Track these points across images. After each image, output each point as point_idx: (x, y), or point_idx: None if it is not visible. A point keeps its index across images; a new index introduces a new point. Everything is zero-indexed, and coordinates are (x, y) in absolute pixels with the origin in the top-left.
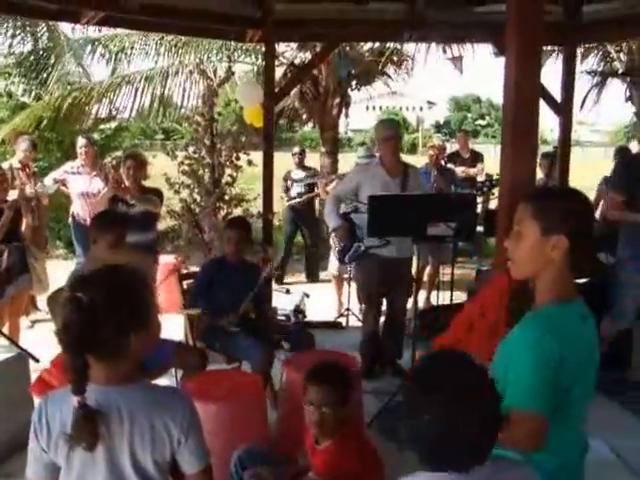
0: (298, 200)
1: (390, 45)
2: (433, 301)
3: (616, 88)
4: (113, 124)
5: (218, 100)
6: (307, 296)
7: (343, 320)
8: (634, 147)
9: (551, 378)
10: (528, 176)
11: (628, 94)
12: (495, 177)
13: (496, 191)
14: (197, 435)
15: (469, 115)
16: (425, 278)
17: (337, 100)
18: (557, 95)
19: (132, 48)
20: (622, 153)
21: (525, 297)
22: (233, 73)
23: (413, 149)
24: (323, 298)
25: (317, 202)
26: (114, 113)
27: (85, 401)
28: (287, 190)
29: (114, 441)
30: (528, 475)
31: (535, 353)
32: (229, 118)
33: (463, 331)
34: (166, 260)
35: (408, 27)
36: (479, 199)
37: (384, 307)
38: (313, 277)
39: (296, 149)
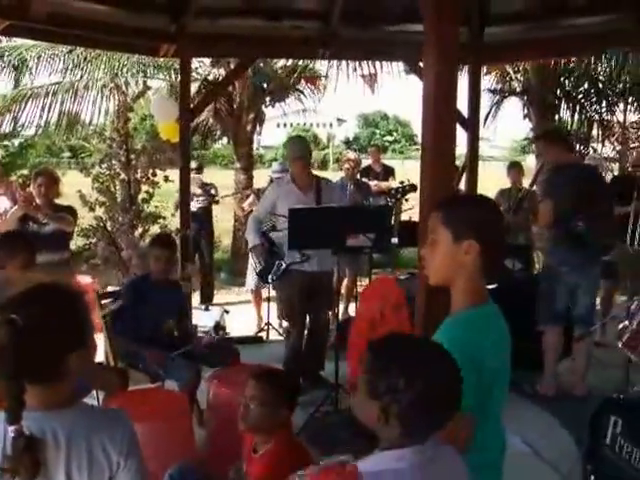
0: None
1: (303, 62)
2: (351, 312)
3: (512, 106)
4: (17, 141)
5: (133, 116)
6: (227, 312)
7: (264, 334)
8: (531, 161)
9: (474, 379)
10: (447, 188)
11: (525, 112)
12: (407, 183)
13: (410, 197)
14: (136, 458)
15: (377, 131)
16: (343, 290)
17: (252, 116)
18: (463, 112)
19: (38, 59)
20: (513, 165)
21: (440, 304)
22: (149, 88)
23: (324, 165)
24: (243, 314)
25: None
26: (19, 129)
27: (22, 429)
28: None
29: (50, 469)
30: (460, 459)
31: (458, 356)
32: (143, 134)
33: (367, 329)
34: (82, 280)
35: (322, 44)
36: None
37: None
38: (208, 300)
39: (193, 164)
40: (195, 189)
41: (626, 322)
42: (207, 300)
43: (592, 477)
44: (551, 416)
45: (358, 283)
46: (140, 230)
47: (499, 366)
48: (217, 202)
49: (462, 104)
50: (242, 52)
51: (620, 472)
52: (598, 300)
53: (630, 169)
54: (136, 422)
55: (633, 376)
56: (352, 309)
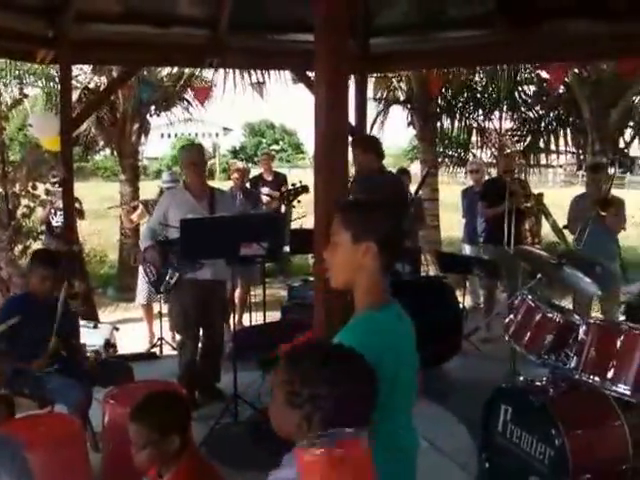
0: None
1: (189, 70)
2: (245, 322)
3: (397, 115)
4: None
5: (8, 125)
6: (116, 329)
7: (157, 350)
8: (416, 168)
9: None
10: (341, 193)
11: (409, 120)
12: (298, 184)
13: (303, 202)
14: None
15: (264, 140)
16: (236, 300)
17: (136, 126)
18: (350, 120)
19: None
20: (401, 172)
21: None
22: (26, 96)
23: (211, 175)
24: (134, 330)
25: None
26: None
27: None
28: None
29: None
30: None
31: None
32: (17, 145)
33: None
34: None
35: (210, 52)
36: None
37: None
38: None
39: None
40: (60, 203)
41: (511, 316)
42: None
43: (487, 464)
44: (446, 411)
45: (251, 292)
46: (20, 247)
47: (402, 366)
48: (83, 217)
49: (349, 113)
50: (125, 59)
51: (512, 456)
52: (482, 299)
53: (501, 174)
54: (26, 449)
55: (519, 367)
56: (246, 319)
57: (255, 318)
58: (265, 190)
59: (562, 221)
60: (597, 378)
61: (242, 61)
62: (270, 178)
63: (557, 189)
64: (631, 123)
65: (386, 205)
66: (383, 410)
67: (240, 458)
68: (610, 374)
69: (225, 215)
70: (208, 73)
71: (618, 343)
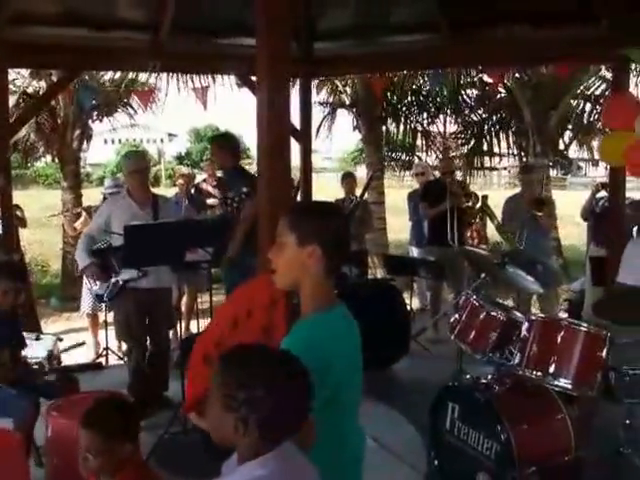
0: None
1: (132, 75)
2: (193, 329)
3: (343, 118)
4: None
5: None
6: (60, 340)
7: (103, 360)
8: (362, 172)
9: (319, 382)
10: (285, 198)
11: (355, 124)
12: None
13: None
14: None
15: (209, 146)
16: (182, 307)
17: (78, 132)
18: (296, 125)
19: None
20: (347, 176)
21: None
22: None
23: (157, 181)
24: (79, 340)
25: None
26: None
27: None
28: None
29: None
30: (307, 461)
31: (305, 358)
32: None
33: (227, 326)
34: None
35: (152, 56)
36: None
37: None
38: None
39: None
40: None
41: (456, 316)
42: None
43: (436, 462)
44: (395, 411)
45: (199, 299)
46: None
47: (349, 367)
48: (25, 225)
49: (294, 117)
50: (64, 63)
51: (460, 453)
52: (429, 300)
53: (441, 175)
54: None
55: (466, 365)
56: (193, 326)
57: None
58: (207, 187)
59: None
60: (540, 373)
61: (185, 65)
62: (215, 184)
63: (502, 191)
64: (570, 126)
65: (327, 208)
66: (330, 410)
67: (189, 467)
68: (552, 369)
69: (170, 221)
70: (152, 78)
71: (559, 339)
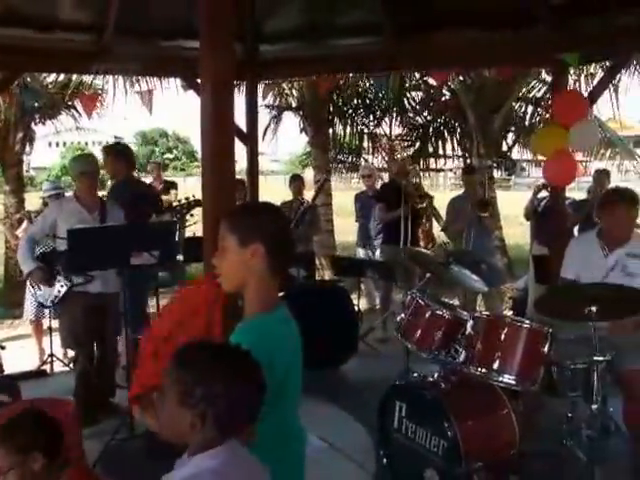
0: None
1: (76, 77)
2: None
3: (290, 121)
4: None
5: None
6: (2, 348)
7: (47, 367)
8: (310, 174)
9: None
10: (229, 199)
11: (301, 126)
12: (192, 198)
13: (195, 213)
14: None
15: (157, 149)
16: None
17: (20, 135)
18: (242, 127)
19: None
20: (295, 178)
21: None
22: None
23: (103, 185)
24: (23, 347)
25: None
26: None
27: None
28: None
29: None
30: (255, 458)
31: None
32: None
33: (174, 324)
34: None
35: (96, 58)
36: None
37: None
38: None
39: None
40: None
41: (402, 315)
42: None
43: (384, 460)
44: (344, 411)
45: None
46: None
47: (291, 367)
48: None
49: (240, 120)
50: (5, 64)
51: (408, 451)
52: (377, 300)
53: (394, 176)
54: None
55: (413, 364)
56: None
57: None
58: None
59: None
60: (484, 370)
61: (129, 68)
62: (160, 186)
63: (448, 192)
64: (512, 128)
65: (269, 207)
66: (273, 409)
67: (137, 473)
68: (496, 365)
69: (114, 224)
70: (97, 80)
71: (502, 336)
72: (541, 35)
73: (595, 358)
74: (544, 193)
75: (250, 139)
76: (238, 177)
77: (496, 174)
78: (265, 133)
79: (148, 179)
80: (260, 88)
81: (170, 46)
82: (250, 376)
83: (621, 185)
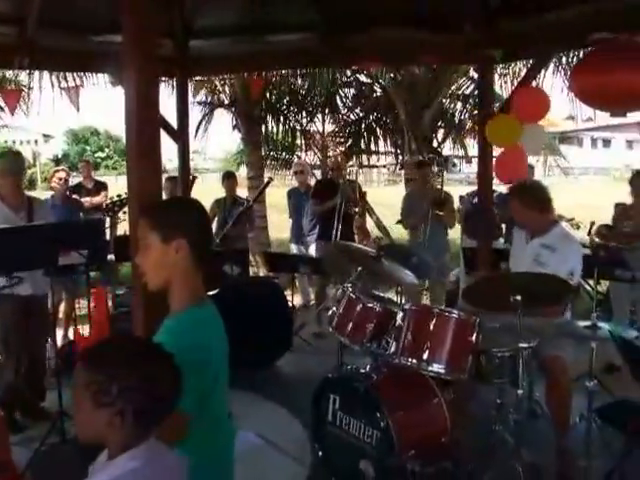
0: None
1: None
2: (71, 336)
3: (223, 118)
4: None
5: None
6: None
7: None
8: (244, 172)
9: (196, 379)
10: (156, 197)
11: (234, 123)
12: (124, 196)
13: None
14: None
15: (88, 148)
16: (60, 315)
17: None
18: (174, 124)
19: None
20: (228, 176)
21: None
22: None
23: (32, 184)
24: None
25: None
26: None
27: None
28: None
29: None
30: (174, 453)
31: (183, 351)
32: None
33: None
34: None
35: (19, 53)
36: (107, 224)
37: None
38: None
39: None
40: None
41: (334, 309)
42: None
43: (320, 453)
44: (280, 407)
45: (77, 305)
46: None
47: (221, 363)
48: None
49: (172, 117)
50: None
51: (343, 443)
52: (312, 296)
53: (329, 172)
54: None
55: (347, 358)
56: (71, 333)
57: (81, 331)
58: (86, 199)
59: (387, 217)
60: (414, 360)
61: (55, 63)
62: (91, 186)
63: (382, 188)
64: (442, 124)
65: (189, 202)
66: (208, 402)
67: (68, 477)
68: (426, 355)
69: (41, 223)
70: (22, 76)
71: (431, 326)
72: (468, 33)
73: (520, 345)
74: (473, 187)
75: (181, 136)
76: (173, 175)
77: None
78: (197, 130)
79: (78, 178)
80: (192, 85)
81: (96, 40)
82: (165, 366)
83: (545, 180)
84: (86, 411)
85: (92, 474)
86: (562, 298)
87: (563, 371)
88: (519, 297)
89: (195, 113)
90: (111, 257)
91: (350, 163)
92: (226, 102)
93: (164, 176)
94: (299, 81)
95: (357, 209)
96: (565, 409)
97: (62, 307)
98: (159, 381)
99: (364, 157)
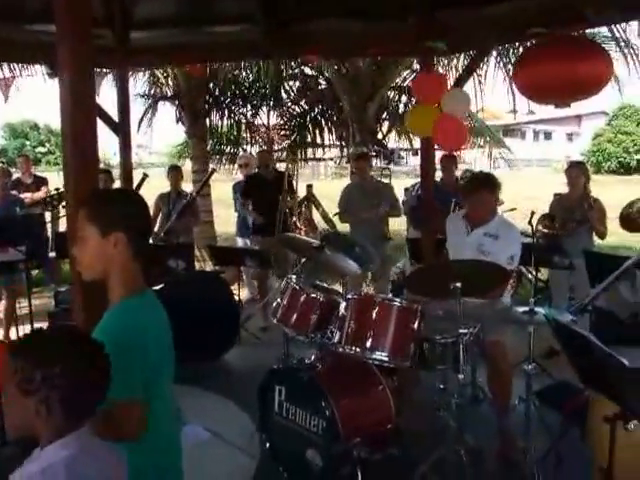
0: None
1: None
2: (13, 336)
3: (167, 111)
4: None
5: None
6: None
7: None
8: (189, 165)
9: (140, 367)
10: (90, 187)
11: (178, 116)
12: (62, 189)
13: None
14: None
15: (27, 142)
16: (1, 315)
17: None
18: (115, 117)
19: None
20: (173, 169)
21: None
22: None
23: None
24: None
25: None
26: None
27: None
28: None
29: None
30: (116, 450)
31: (121, 346)
32: None
33: None
34: None
35: None
36: (48, 221)
37: None
38: None
39: None
40: None
41: (278, 300)
42: None
43: (267, 444)
44: (228, 400)
45: (17, 305)
46: None
47: (163, 354)
48: None
49: (113, 109)
50: None
51: (290, 433)
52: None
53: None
54: None
55: (293, 349)
56: (13, 334)
57: (23, 331)
58: (25, 195)
59: (334, 210)
60: (358, 349)
61: None
62: (30, 181)
63: (329, 182)
64: (387, 116)
65: (127, 194)
66: (150, 393)
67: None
68: (369, 343)
69: None
70: None
71: (374, 315)
72: (410, 26)
73: (460, 331)
74: (417, 180)
75: (122, 129)
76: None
77: (377, 163)
78: (140, 124)
79: (17, 174)
80: (135, 77)
81: (31, 30)
82: (88, 354)
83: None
84: (13, 402)
85: (30, 459)
86: (500, 283)
87: (503, 356)
88: (459, 284)
89: (139, 106)
90: (52, 254)
91: (287, 155)
92: (169, 94)
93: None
94: (243, 73)
95: (291, 202)
96: (505, 393)
97: (2, 306)
98: (85, 369)
99: (310, 150)
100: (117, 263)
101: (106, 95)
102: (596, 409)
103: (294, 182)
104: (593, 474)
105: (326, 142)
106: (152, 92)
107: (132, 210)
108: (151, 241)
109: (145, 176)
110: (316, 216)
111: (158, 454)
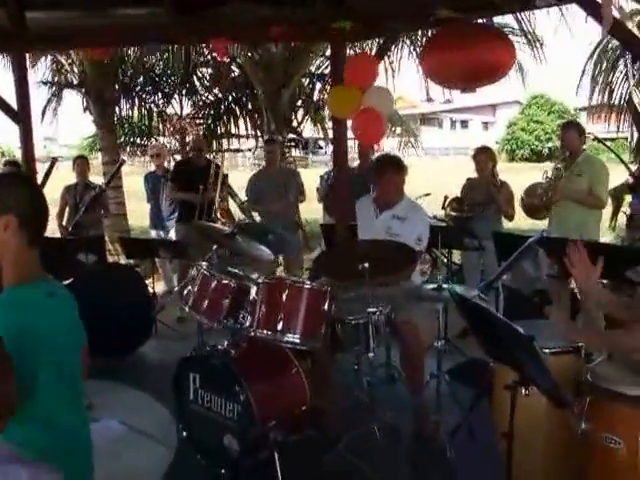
0: None
1: None
2: None
3: (75, 100)
4: None
5: None
6: None
7: None
8: (98, 157)
9: (32, 360)
10: None
11: (85, 104)
12: None
13: None
14: None
15: None
16: None
17: None
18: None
19: None
20: (78, 159)
21: None
22: None
23: None
24: None
25: None
26: None
27: None
28: None
29: None
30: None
31: (11, 336)
32: None
33: None
34: None
35: None
36: None
37: None
38: None
39: None
40: None
41: (189, 287)
42: None
43: (184, 433)
44: (142, 392)
45: None
46: None
47: (66, 347)
48: None
49: (11, 97)
50: None
51: (206, 421)
52: (175, 278)
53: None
54: None
55: (210, 338)
56: None
57: None
58: None
59: None
60: (269, 332)
61: None
62: None
63: (247, 173)
64: (302, 104)
65: (20, 178)
66: (47, 391)
67: None
68: (280, 326)
69: None
70: None
71: (284, 297)
72: (318, 11)
73: (369, 310)
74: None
75: (22, 118)
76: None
77: (296, 152)
78: (44, 112)
79: None
80: (36, 63)
81: None
82: None
83: (406, 160)
84: None
85: None
86: (408, 263)
87: (414, 335)
88: (367, 264)
89: (43, 94)
90: None
91: (218, 147)
92: (75, 82)
93: (2, 160)
94: (153, 59)
95: (215, 192)
96: (417, 370)
97: None
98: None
99: (225, 141)
100: (8, 248)
101: (5, 82)
102: (499, 379)
103: (220, 172)
104: (498, 441)
105: (242, 132)
106: (56, 79)
107: (23, 194)
108: (59, 235)
109: (54, 160)
110: (233, 206)
111: (61, 448)
